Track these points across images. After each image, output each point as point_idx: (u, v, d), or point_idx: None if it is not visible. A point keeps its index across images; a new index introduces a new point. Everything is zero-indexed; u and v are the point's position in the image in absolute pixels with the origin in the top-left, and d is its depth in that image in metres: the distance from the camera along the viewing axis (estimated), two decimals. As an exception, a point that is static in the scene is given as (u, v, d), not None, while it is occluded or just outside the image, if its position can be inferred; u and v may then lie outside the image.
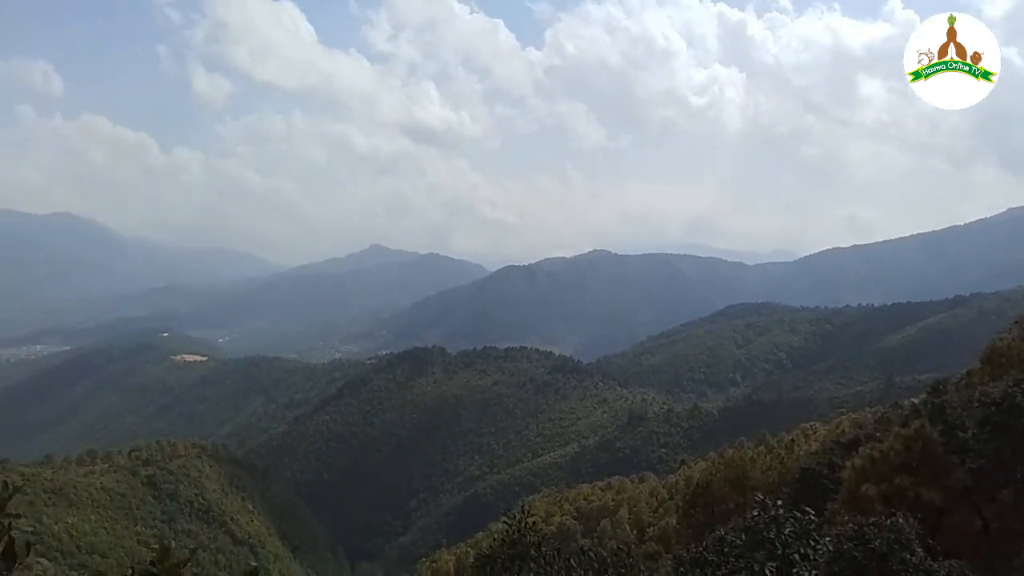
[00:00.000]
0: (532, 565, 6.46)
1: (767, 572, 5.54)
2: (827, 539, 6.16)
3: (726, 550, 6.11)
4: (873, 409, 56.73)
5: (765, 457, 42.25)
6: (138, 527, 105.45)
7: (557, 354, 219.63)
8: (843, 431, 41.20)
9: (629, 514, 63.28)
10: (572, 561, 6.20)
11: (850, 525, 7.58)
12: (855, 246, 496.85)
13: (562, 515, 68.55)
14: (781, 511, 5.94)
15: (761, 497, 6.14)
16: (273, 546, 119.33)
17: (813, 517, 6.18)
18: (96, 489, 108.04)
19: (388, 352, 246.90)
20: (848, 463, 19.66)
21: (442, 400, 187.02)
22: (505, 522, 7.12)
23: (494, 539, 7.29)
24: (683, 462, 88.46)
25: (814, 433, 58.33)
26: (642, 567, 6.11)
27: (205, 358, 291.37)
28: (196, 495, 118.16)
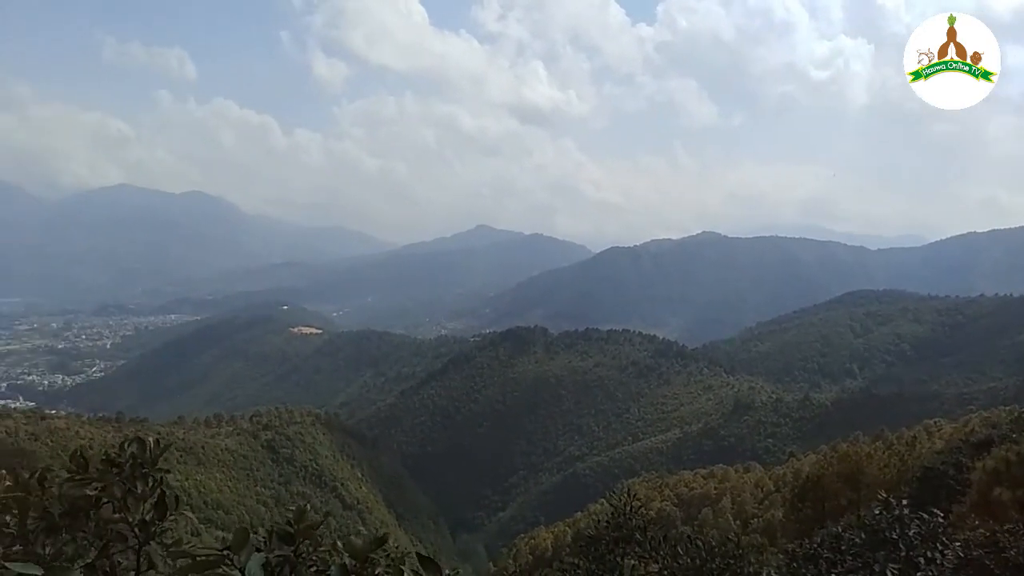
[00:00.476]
0: (637, 549, 6.43)
1: (888, 574, 5.24)
2: (956, 545, 5.73)
3: (843, 548, 5.83)
4: (1008, 408, 52.35)
5: (883, 453, 39.98)
6: (258, 487, 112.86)
7: (661, 338, 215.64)
8: (972, 430, 38.33)
9: (732, 504, 61.82)
10: (679, 548, 6.12)
11: (981, 531, 7.04)
12: (993, 231, 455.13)
13: (662, 501, 67.74)
14: (907, 511, 5.58)
15: (884, 495, 5.79)
16: (380, 513, 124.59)
17: (942, 519, 5.77)
18: (221, 450, 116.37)
19: (491, 330, 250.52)
20: (978, 464, 18.27)
21: (543, 380, 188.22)
22: (610, 504, 7.12)
23: (598, 520, 7.30)
24: (792, 454, 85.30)
25: (939, 431, 54.65)
26: (751, 559, 5.93)
27: (320, 331, 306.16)
28: (310, 460, 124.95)
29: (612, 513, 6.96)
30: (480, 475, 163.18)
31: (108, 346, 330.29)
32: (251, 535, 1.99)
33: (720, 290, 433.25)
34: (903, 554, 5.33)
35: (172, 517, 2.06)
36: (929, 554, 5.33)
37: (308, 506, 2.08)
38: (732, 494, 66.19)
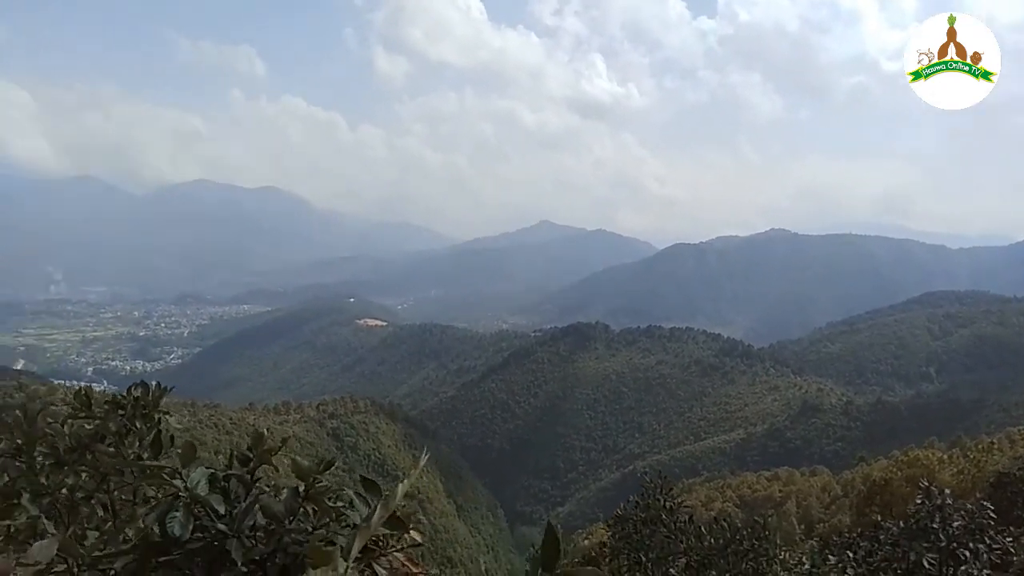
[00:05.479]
0: (663, 529, 6.36)
1: (925, 563, 4.99)
2: (1007, 540, 5.38)
3: (881, 537, 5.59)
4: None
5: (959, 460, 38.21)
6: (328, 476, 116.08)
7: (725, 337, 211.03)
8: (1058, 438, 36.16)
9: (797, 507, 60.26)
10: (703, 528, 6.02)
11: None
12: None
13: (723, 501, 66.56)
14: (949, 501, 5.31)
15: (925, 483, 5.52)
16: (439, 503, 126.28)
17: (992, 514, 5.45)
18: (289, 436, 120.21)
19: (552, 326, 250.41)
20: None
21: (604, 376, 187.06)
22: (642, 486, 7.08)
23: (628, 501, 7.27)
24: (861, 458, 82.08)
25: (1022, 439, 51.79)
26: (777, 541, 5.75)
27: (385, 323, 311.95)
28: (373, 449, 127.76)
29: (641, 495, 6.92)
30: (539, 469, 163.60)
31: (185, 334, 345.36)
32: (197, 451, 2.09)
33: (789, 289, 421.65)
34: (943, 545, 5.08)
35: (167, 455, 2.11)
36: (974, 546, 5.04)
37: (267, 431, 2.16)
38: (797, 498, 64.55)
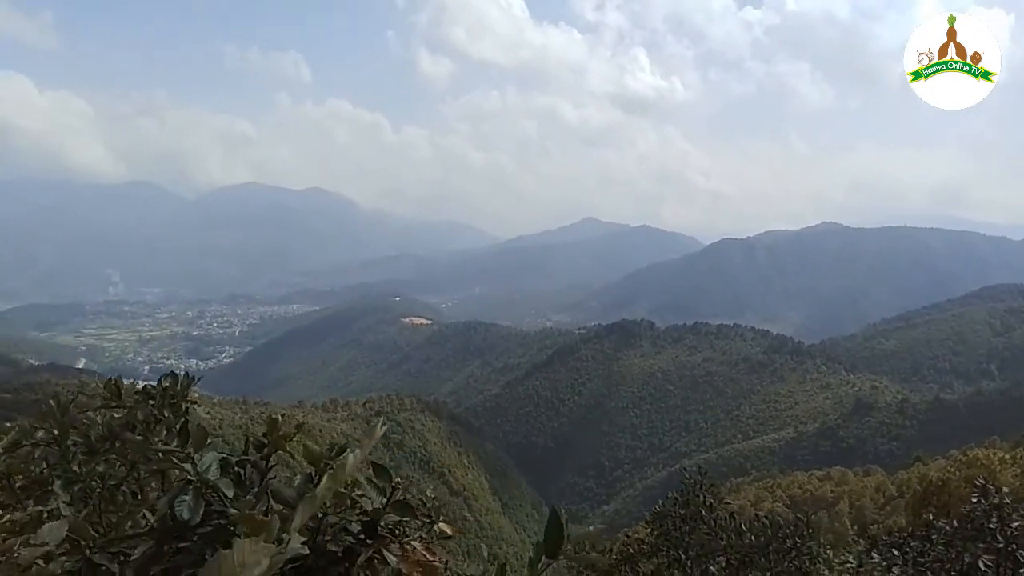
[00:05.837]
0: (703, 526, 6.23)
1: (980, 565, 4.75)
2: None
3: (933, 536, 5.35)
4: None
5: (1022, 460, 36.68)
6: (370, 471, 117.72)
7: (775, 333, 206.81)
8: None
9: (850, 508, 58.85)
10: (744, 525, 5.85)
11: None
12: None
13: (773, 501, 65.25)
14: (1008, 500, 5.04)
15: (982, 481, 5.26)
16: (484, 500, 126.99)
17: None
18: (336, 433, 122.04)
19: (597, 323, 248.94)
20: None
21: (649, 374, 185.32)
22: (682, 482, 6.96)
23: (667, 496, 7.15)
24: (918, 458, 79.36)
25: (1091, 438, 49.51)
26: (821, 540, 5.56)
27: (430, 321, 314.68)
28: (419, 446, 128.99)
29: (681, 491, 6.80)
30: (584, 467, 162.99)
31: (236, 333, 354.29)
32: (210, 437, 2.10)
33: (841, 284, 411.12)
34: (1001, 546, 4.82)
35: (191, 444, 2.14)
36: (1034, 549, 4.78)
37: (281, 417, 2.16)
38: (850, 498, 63.04)
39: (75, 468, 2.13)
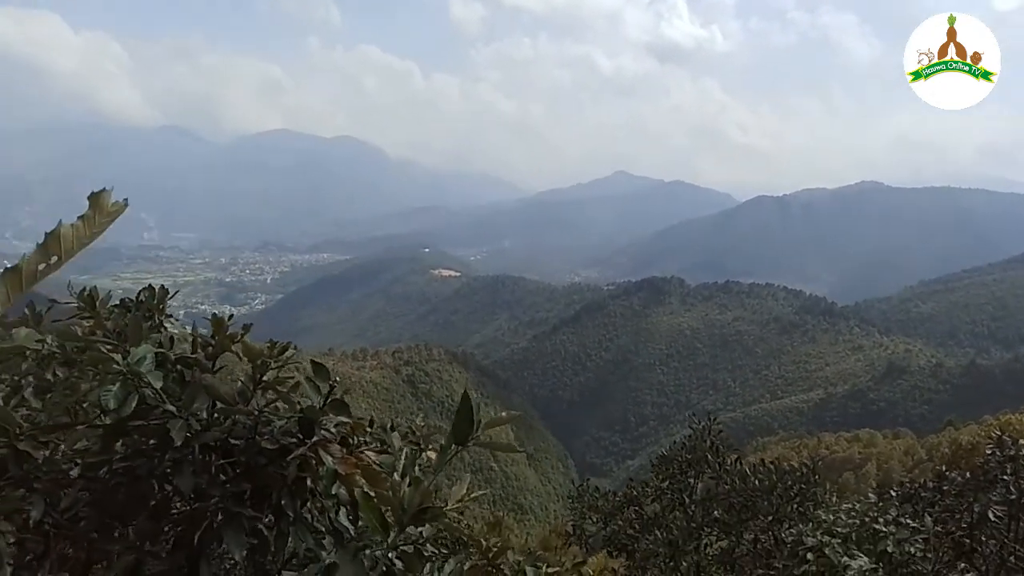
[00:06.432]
0: (708, 470, 6.20)
1: (991, 516, 4.64)
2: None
3: (945, 487, 5.24)
4: None
5: (1056, 427, 36.02)
6: (397, 419, 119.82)
7: (808, 293, 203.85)
8: None
9: (877, 470, 58.59)
10: (747, 469, 5.80)
11: None
12: None
13: (799, 461, 65.32)
14: (1025, 452, 4.88)
15: (999, 433, 5.09)
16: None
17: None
18: (366, 381, 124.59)
19: (626, 280, 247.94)
20: None
21: (678, 332, 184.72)
22: (690, 427, 6.91)
23: (673, 441, 7.11)
24: (950, 422, 78.52)
25: None
26: (827, 486, 5.49)
27: (459, 273, 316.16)
28: (446, 396, 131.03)
29: (689, 436, 6.75)
30: (610, 422, 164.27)
31: (268, 281, 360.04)
32: (144, 328, 2.06)
33: (880, 245, 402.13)
34: (1014, 498, 4.69)
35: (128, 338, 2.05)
36: (1051, 502, 4.64)
37: (225, 316, 2.13)
38: (878, 460, 62.84)
39: (48, 376, 2.10)
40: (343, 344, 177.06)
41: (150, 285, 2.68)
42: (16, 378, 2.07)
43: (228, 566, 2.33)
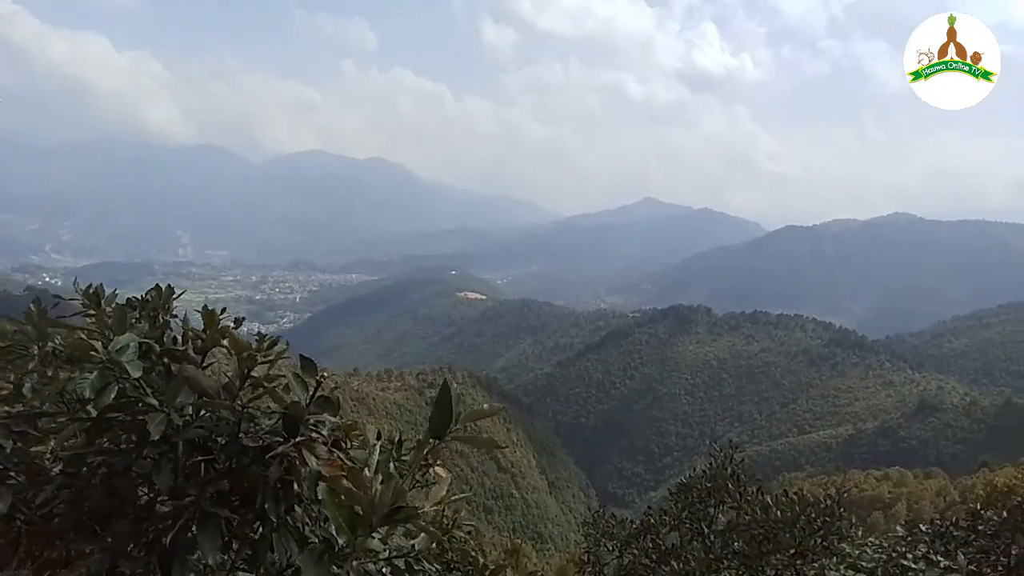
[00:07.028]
0: (728, 500, 6.01)
1: None
2: None
3: (980, 527, 5.00)
4: None
5: (1097, 470, 34.77)
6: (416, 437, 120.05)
7: (837, 326, 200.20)
8: None
9: (908, 511, 56.82)
10: (769, 500, 5.60)
11: None
12: None
13: (825, 494, 63.74)
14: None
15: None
16: (532, 478, 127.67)
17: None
18: (389, 403, 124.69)
19: (652, 307, 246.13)
20: None
21: (704, 362, 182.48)
22: (710, 455, 6.74)
23: (694, 470, 6.93)
24: (984, 463, 76.25)
25: None
26: (852, 520, 5.25)
27: (484, 297, 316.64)
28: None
29: (709, 464, 6.58)
30: (633, 452, 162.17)
31: (297, 300, 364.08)
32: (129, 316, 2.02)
33: (911, 278, 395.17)
34: (1054, 540, 4.45)
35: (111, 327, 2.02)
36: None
37: (219, 311, 2.11)
38: (908, 500, 61.13)
39: (48, 373, 2.06)
40: (368, 364, 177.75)
41: (157, 285, 2.67)
42: (20, 376, 2.06)
43: (203, 566, 2.12)
